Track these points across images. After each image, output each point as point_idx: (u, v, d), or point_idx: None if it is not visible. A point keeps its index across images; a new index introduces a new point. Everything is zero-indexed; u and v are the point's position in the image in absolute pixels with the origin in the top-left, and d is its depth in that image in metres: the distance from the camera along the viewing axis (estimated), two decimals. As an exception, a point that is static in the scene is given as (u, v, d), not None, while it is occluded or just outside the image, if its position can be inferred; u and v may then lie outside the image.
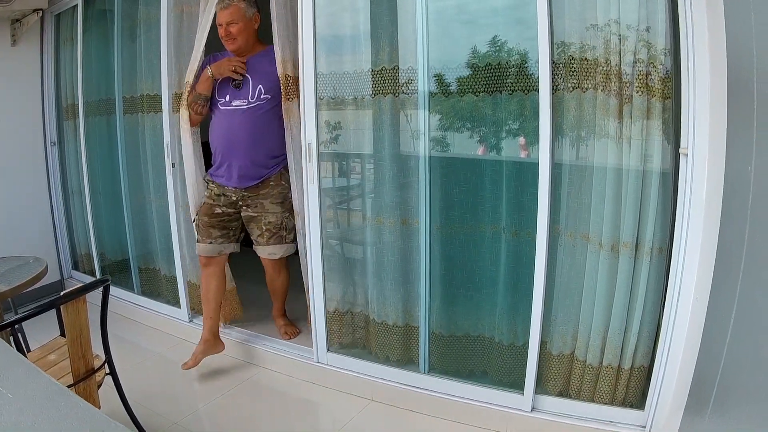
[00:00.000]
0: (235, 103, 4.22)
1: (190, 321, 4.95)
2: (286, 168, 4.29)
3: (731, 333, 2.49)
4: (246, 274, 5.27)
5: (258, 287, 5.10)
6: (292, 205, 4.33)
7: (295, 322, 4.77)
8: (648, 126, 2.90)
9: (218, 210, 4.38)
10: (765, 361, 2.23)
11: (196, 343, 4.38)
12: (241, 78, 4.19)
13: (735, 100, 2.56)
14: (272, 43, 4.10)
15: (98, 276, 5.89)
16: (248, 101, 4.21)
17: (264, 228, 4.36)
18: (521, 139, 3.33)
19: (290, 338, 4.58)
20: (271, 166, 4.31)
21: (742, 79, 2.49)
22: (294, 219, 4.35)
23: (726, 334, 2.51)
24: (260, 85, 4.19)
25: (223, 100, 4.25)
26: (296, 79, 4.00)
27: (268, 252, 4.43)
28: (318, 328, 4.14)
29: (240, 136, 4.21)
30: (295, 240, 4.38)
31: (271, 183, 4.31)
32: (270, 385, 4.24)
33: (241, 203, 4.35)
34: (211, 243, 4.41)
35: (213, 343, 4.44)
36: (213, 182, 4.38)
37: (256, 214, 4.35)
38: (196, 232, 4.46)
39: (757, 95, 2.30)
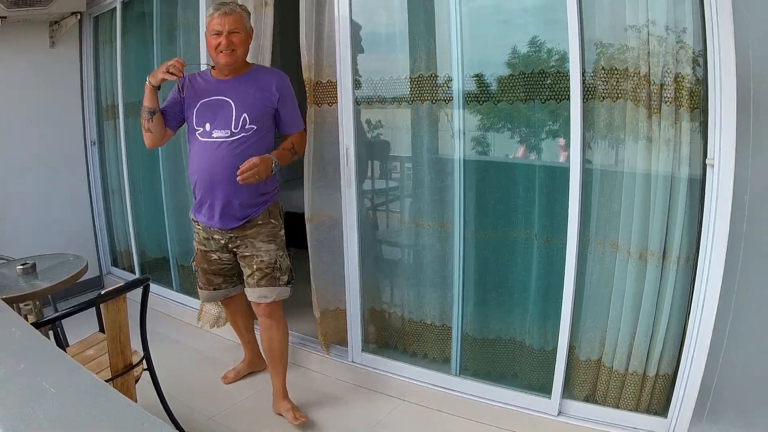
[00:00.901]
0: (216, 134, 3.65)
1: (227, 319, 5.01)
2: (275, 203, 3.90)
3: (753, 341, 2.56)
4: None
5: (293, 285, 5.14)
6: (284, 243, 3.95)
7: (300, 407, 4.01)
8: (677, 136, 2.96)
9: (213, 257, 3.96)
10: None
11: (233, 340, 4.49)
12: (177, 78, 3.60)
13: (761, 111, 2.62)
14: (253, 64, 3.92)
15: (137, 272, 6.06)
16: (231, 132, 3.65)
17: (255, 267, 3.83)
18: (561, 140, 3.40)
19: (301, 422, 3.84)
20: (257, 205, 3.80)
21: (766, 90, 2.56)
22: (288, 259, 3.94)
23: (747, 343, 2.59)
24: (245, 114, 3.66)
25: (202, 130, 3.69)
26: (322, 84, 4.09)
27: (258, 295, 3.85)
28: (353, 328, 4.26)
29: (221, 173, 3.66)
30: (290, 283, 3.93)
31: (259, 222, 3.81)
32: (305, 384, 4.34)
33: (230, 245, 3.88)
34: (215, 290, 4.13)
35: (257, 362, 4.49)
36: (198, 223, 3.93)
37: (249, 254, 3.84)
38: (196, 277, 4.17)
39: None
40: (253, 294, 3.87)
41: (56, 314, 3.05)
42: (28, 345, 1.98)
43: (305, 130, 3.95)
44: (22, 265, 3.79)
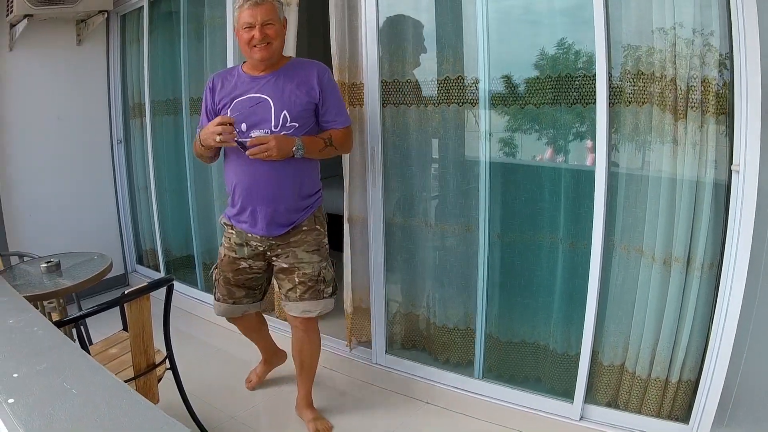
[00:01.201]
0: (255, 134, 3.41)
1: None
2: (319, 208, 3.72)
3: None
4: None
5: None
6: (328, 253, 3.76)
7: (324, 415, 3.96)
8: (703, 140, 2.96)
9: (243, 264, 3.71)
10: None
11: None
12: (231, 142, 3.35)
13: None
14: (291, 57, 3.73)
15: (162, 271, 6.11)
16: (271, 131, 3.42)
17: (298, 281, 3.63)
18: (587, 144, 3.41)
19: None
20: (304, 209, 3.61)
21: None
22: (332, 269, 3.76)
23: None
24: (285, 111, 3.43)
25: (238, 130, 3.41)
26: (352, 86, 4.11)
27: (301, 310, 3.66)
28: (377, 330, 4.30)
29: (265, 178, 3.48)
30: (333, 294, 3.74)
31: (304, 228, 3.61)
32: (328, 384, 4.39)
33: (269, 253, 3.66)
34: (234, 303, 3.85)
35: (275, 359, 4.36)
36: (232, 228, 3.69)
37: (287, 265, 3.63)
38: (213, 287, 3.91)
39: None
40: (295, 309, 3.67)
41: (78, 314, 3.08)
42: (51, 344, 1.98)
43: (350, 127, 3.71)
44: (47, 263, 3.82)
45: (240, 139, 3.34)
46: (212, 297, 3.90)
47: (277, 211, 3.52)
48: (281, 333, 4.55)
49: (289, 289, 3.65)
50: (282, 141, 3.35)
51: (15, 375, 1.73)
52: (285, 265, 3.63)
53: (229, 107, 3.48)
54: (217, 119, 3.33)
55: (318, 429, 3.79)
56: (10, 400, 1.56)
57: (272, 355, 4.34)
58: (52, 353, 1.93)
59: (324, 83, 3.52)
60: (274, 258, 3.66)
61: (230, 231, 3.69)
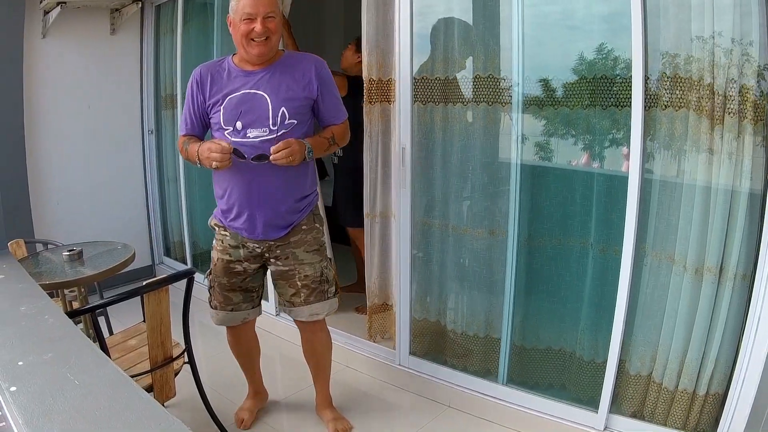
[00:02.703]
0: (253, 133, 3.25)
1: (277, 315, 5.14)
2: (316, 205, 3.63)
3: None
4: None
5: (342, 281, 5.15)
6: (326, 251, 3.71)
7: (345, 415, 3.98)
8: (739, 148, 2.93)
9: (239, 268, 3.56)
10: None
11: (281, 336, 4.54)
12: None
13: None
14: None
15: (189, 263, 6.16)
16: (269, 129, 3.26)
17: (300, 284, 3.55)
18: (620, 149, 3.39)
19: None
20: (302, 209, 3.51)
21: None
22: (334, 268, 3.74)
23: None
24: (283, 108, 3.27)
25: (231, 129, 3.27)
26: (381, 82, 4.13)
27: (308, 313, 3.62)
28: (402, 331, 4.31)
29: (264, 181, 3.34)
30: (336, 294, 3.70)
31: (303, 228, 3.50)
32: (351, 384, 4.43)
33: (267, 255, 3.54)
34: (232, 310, 3.66)
35: (263, 394, 4.14)
36: (225, 229, 3.53)
37: (287, 268, 3.53)
38: (209, 297, 3.70)
39: None
40: (302, 314, 3.62)
41: (94, 304, 3.08)
42: (60, 334, 2.02)
43: (348, 120, 3.59)
44: (69, 251, 3.88)
45: (243, 155, 3.20)
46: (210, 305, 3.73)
47: (277, 215, 3.42)
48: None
49: (293, 294, 3.59)
50: (301, 145, 3.23)
51: (20, 363, 1.76)
52: (284, 268, 3.53)
53: (221, 104, 3.29)
54: (215, 146, 3.15)
55: (338, 429, 3.79)
56: (13, 388, 1.59)
57: (261, 387, 4.12)
58: (60, 343, 1.96)
59: (323, 78, 3.40)
60: (272, 260, 3.55)
61: (223, 233, 3.53)
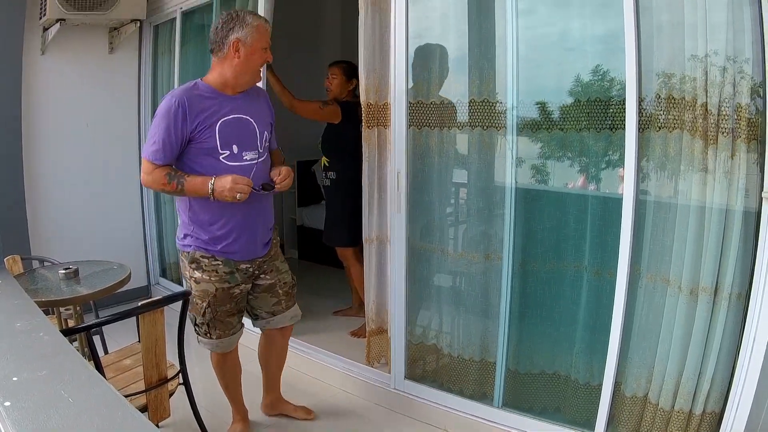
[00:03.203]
0: (248, 156, 3.46)
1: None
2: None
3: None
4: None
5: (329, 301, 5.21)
6: None
7: None
8: (734, 168, 2.96)
9: (237, 291, 3.64)
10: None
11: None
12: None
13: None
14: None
15: (185, 284, 6.11)
16: (259, 152, 3.51)
17: (281, 292, 3.84)
18: (615, 171, 3.43)
19: (311, 417, 4.22)
20: (272, 226, 3.81)
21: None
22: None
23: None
24: (264, 131, 3.56)
25: (228, 153, 3.40)
26: (378, 106, 4.18)
27: (291, 316, 3.94)
28: (397, 355, 4.32)
29: (258, 204, 3.58)
30: None
31: (274, 242, 3.82)
32: (345, 407, 4.44)
33: (258, 272, 3.73)
34: (233, 334, 3.76)
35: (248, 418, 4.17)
36: (216, 258, 3.55)
37: (273, 280, 3.79)
38: (204, 331, 3.69)
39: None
40: (284, 319, 3.91)
41: (90, 323, 3.12)
42: (54, 351, 2.01)
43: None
44: (65, 269, 3.91)
45: (255, 187, 3.41)
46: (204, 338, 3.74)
47: (265, 233, 3.69)
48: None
49: (275, 304, 3.84)
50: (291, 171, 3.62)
51: (15, 378, 1.76)
52: (271, 281, 3.78)
53: (215, 127, 3.36)
54: (241, 180, 3.30)
55: (307, 411, 4.22)
56: (7, 403, 1.59)
57: (246, 410, 4.14)
58: (54, 360, 1.96)
59: (270, 106, 3.77)
60: (261, 275, 3.75)
61: (214, 262, 3.54)
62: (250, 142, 3.46)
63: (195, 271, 3.55)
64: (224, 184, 3.27)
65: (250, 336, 4.19)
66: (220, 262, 3.53)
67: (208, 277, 3.54)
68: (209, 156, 3.37)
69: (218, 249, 3.51)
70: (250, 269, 3.64)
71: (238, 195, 3.27)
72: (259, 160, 3.50)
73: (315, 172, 7.63)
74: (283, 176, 3.51)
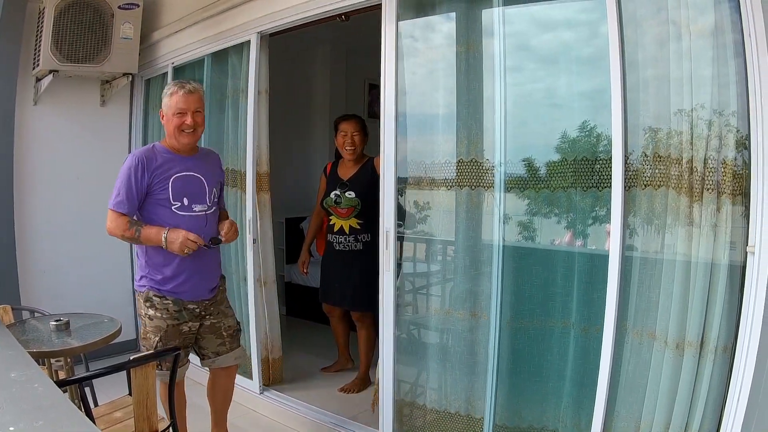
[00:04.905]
0: (198, 208, 3.93)
1: (261, 393, 5.22)
2: None
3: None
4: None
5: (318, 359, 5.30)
6: None
7: None
8: (719, 222, 3.02)
9: (185, 328, 4.00)
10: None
11: (265, 415, 4.76)
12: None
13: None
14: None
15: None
16: (208, 205, 3.99)
17: (225, 335, 4.18)
18: (601, 228, 3.50)
19: None
20: (219, 273, 4.24)
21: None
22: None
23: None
24: (213, 188, 4.05)
25: (179, 204, 3.88)
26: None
27: (234, 358, 4.26)
28: (386, 410, 4.35)
29: (209, 252, 4.00)
30: None
31: (221, 288, 4.22)
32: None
33: (204, 313, 4.08)
34: (183, 366, 4.08)
35: None
36: (166, 298, 3.93)
37: (216, 321, 4.14)
38: (156, 363, 3.64)
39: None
40: (228, 359, 4.22)
41: (82, 375, 3.20)
42: (50, 403, 2.05)
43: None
44: (56, 321, 3.96)
45: (206, 243, 3.90)
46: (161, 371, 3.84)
47: (213, 278, 4.12)
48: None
49: (219, 344, 4.17)
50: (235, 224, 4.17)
51: (11, 428, 1.80)
52: (214, 321, 4.13)
53: (169, 182, 3.87)
54: (193, 238, 3.78)
55: None
56: (6, 453, 1.63)
57: None
58: (50, 411, 2.01)
59: (221, 168, 4.37)
60: (207, 316, 4.10)
61: (165, 301, 3.93)
62: (199, 196, 3.96)
63: (149, 309, 3.95)
64: (176, 237, 3.77)
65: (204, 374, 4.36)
66: (170, 302, 3.93)
67: (160, 315, 3.93)
68: (163, 207, 3.87)
69: (168, 289, 3.93)
70: (197, 309, 4.01)
71: (186, 250, 3.76)
72: (208, 212, 3.99)
73: (303, 230, 7.53)
74: (226, 229, 4.04)
